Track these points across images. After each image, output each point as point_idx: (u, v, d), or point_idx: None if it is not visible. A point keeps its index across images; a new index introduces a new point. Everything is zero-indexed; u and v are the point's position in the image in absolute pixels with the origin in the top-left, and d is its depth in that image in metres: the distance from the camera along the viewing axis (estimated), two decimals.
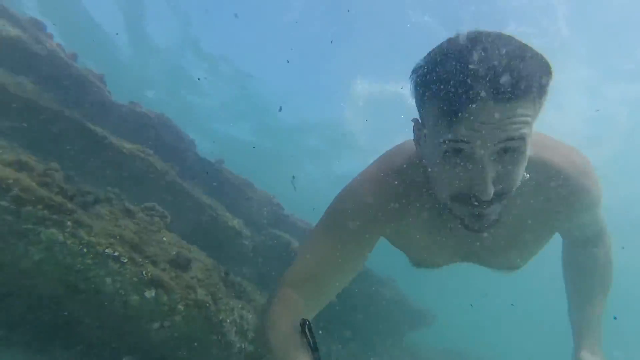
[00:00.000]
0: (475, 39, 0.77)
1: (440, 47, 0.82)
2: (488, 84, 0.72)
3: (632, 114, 7.10)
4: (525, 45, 0.79)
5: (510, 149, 0.79)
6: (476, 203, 0.84)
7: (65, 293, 1.40)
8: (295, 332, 0.86)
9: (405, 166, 1.04)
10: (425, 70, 0.80)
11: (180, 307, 1.48)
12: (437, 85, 0.77)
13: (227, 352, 1.60)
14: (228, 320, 1.67)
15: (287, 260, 2.83)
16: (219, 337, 1.63)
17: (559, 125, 6.72)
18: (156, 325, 1.46)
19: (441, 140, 0.80)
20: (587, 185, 1.01)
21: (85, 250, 1.37)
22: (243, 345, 1.71)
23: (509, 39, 0.78)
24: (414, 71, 0.84)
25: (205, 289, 1.63)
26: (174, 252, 1.66)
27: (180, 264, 1.62)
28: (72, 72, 2.12)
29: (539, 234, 1.12)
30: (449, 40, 0.80)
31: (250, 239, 2.73)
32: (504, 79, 0.72)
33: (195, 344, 1.57)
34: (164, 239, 1.84)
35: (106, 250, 1.39)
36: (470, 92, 0.73)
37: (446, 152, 0.81)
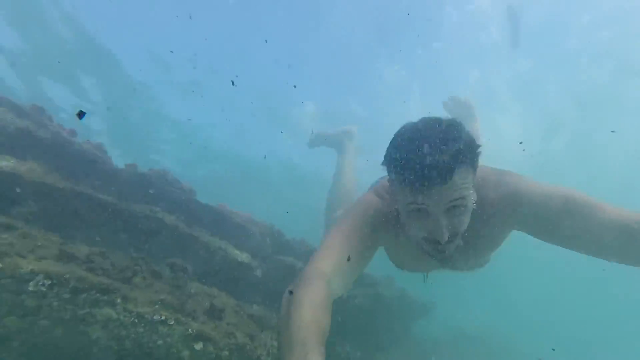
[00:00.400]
0: (425, 131, 1.06)
1: (402, 137, 1.11)
2: (435, 172, 1.02)
3: None
4: (460, 132, 1.07)
5: (456, 205, 1.09)
6: (437, 243, 1.13)
7: None
8: (320, 311, 1.00)
9: (391, 203, 1.33)
10: (392, 157, 1.11)
11: (226, 352, 1.68)
12: (401, 171, 1.08)
13: None
14: (264, 354, 1.88)
15: (289, 278, 3.03)
16: None
17: None
18: None
19: (406, 202, 1.11)
20: (516, 203, 1.27)
21: (136, 320, 1.55)
22: None
23: (450, 129, 1.06)
24: (385, 156, 1.16)
25: (241, 331, 1.83)
26: (207, 304, 1.86)
27: (215, 315, 1.81)
28: (75, 149, 2.26)
29: (495, 239, 1.43)
30: (406, 131, 1.11)
31: (259, 268, 2.93)
32: (445, 167, 1.02)
33: None
34: (192, 290, 2.03)
35: (154, 317, 1.58)
36: (424, 178, 1.03)
37: (410, 211, 1.12)
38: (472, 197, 1.12)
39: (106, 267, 1.60)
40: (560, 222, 1.21)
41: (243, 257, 2.81)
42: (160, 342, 1.57)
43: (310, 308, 1.00)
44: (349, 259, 1.21)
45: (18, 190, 1.95)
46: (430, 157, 1.01)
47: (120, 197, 2.35)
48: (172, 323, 1.60)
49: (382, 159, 1.19)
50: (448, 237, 1.11)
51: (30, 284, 1.29)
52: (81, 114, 1.34)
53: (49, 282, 1.35)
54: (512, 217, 1.31)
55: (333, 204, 3.63)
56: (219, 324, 1.78)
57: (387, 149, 1.16)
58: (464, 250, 1.35)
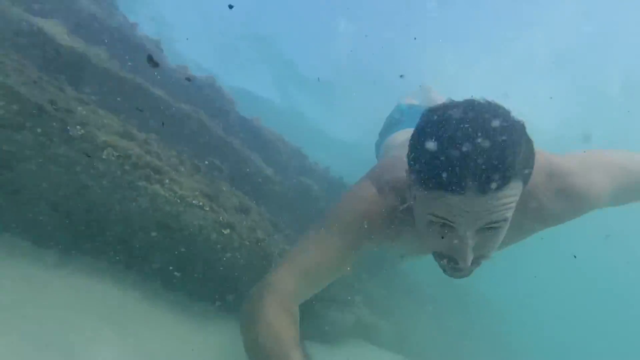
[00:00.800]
0: (467, 119, 0.76)
1: (442, 124, 0.81)
2: (476, 179, 0.74)
3: None
4: (523, 133, 0.79)
5: (493, 228, 0.84)
6: (455, 263, 0.91)
7: (160, 232, 1.90)
8: (290, 327, 0.97)
9: (397, 195, 1.10)
10: (422, 146, 0.82)
11: (247, 242, 1.99)
12: (432, 169, 0.79)
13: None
14: (276, 252, 2.21)
15: (307, 200, 3.32)
16: (269, 264, 2.17)
17: None
18: (228, 255, 1.98)
19: (428, 211, 0.85)
20: (558, 209, 1.08)
21: (178, 201, 1.85)
22: None
23: (512, 127, 0.77)
24: (412, 143, 0.88)
25: (261, 229, 2.14)
26: (236, 201, 2.15)
27: (243, 211, 2.11)
28: (137, 42, 2.45)
29: (519, 237, 1.22)
30: (444, 114, 0.81)
31: (280, 184, 3.22)
32: (492, 174, 0.73)
33: (251, 270, 2.11)
34: (224, 188, 2.32)
35: (193, 201, 1.88)
36: (459, 183, 0.75)
37: (431, 222, 0.87)
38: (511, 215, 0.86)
39: (159, 151, 1.87)
40: (632, 196, 1.15)
41: (268, 171, 3.09)
42: (195, 222, 1.89)
43: (279, 325, 0.97)
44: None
45: (85, 72, 2.19)
46: (482, 157, 0.73)
47: (170, 95, 2.57)
48: (207, 209, 1.90)
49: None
50: (472, 261, 0.88)
51: (104, 152, 1.56)
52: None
53: (117, 154, 1.62)
54: (569, 216, 1.12)
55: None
56: (244, 218, 2.08)
57: (416, 133, 0.88)
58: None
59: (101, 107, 2.06)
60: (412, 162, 0.90)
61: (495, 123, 0.77)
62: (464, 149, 0.75)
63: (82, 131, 1.54)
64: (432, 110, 0.86)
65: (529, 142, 0.82)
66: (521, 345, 4.79)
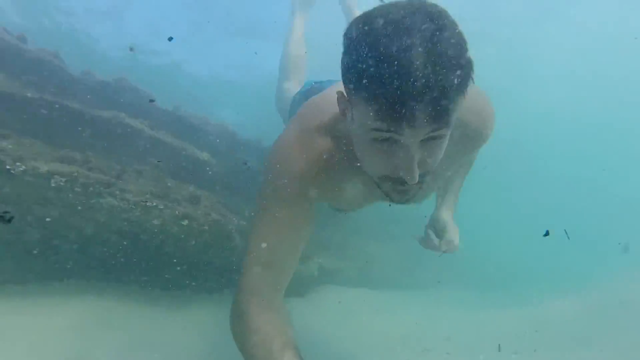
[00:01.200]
0: (416, 30, 0.71)
1: (377, 30, 0.74)
2: (433, 93, 0.71)
3: None
4: (465, 41, 0.76)
5: (436, 137, 0.80)
6: (403, 183, 0.87)
7: (123, 239, 2.03)
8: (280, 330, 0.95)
9: (325, 128, 1.04)
10: (359, 56, 0.75)
11: (205, 227, 2.19)
12: (374, 81, 0.73)
13: (233, 249, 2.37)
14: (233, 229, 2.44)
15: (244, 173, 3.49)
16: (230, 241, 2.40)
17: None
18: (192, 242, 2.18)
19: (371, 127, 0.79)
20: (487, 134, 1.22)
21: (133, 207, 1.97)
22: (240, 242, 2.47)
23: (455, 36, 0.74)
24: (345, 54, 0.80)
25: (215, 211, 2.33)
26: (185, 193, 2.30)
27: (193, 201, 2.28)
28: (31, 56, 2.34)
29: (449, 170, 1.30)
30: (386, 23, 0.73)
31: (216, 165, 3.36)
32: (447, 88, 0.72)
33: (217, 248, 2.33)
34: (169, 184, 2.44)
35: (147, 203, 2.01)
36: (412, 96, 0.71)
37: (374, 140, 0.82)
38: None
39: (101, 166, 1.94)
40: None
41: (203, 155, 3.20)
42: (155, 221, 2.04)
43: (270, 337, 0.95)
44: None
45: None
46: (427, 68, 0.70)
47: (84, 104, 2.53)
48: (162, 207, 2.05)
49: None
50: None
51: (52, 181, 1.63)
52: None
53: (64, 179, 1.69)
54: (480, 143, 1.25)
55: (281, 76, 3.40)
56: (197, 207, 2.26)
57: (348, 42, 0.80)
58: (426, 187, 1.08)
59: (21, 135, 2.04)
60: (350, 73, 0.80)
61: (443, 33, 0.73)
62: (409, 59, 0.70)
63: (23, 167, 1.59)
64: (369, 13, 0.79)
65: (467, 50, 0.77)
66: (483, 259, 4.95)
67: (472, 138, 1.16)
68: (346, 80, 0.83)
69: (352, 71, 0.78)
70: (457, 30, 0.76)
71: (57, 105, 2.31)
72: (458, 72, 0.73)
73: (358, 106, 0.81)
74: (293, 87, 3.16)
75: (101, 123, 2.50)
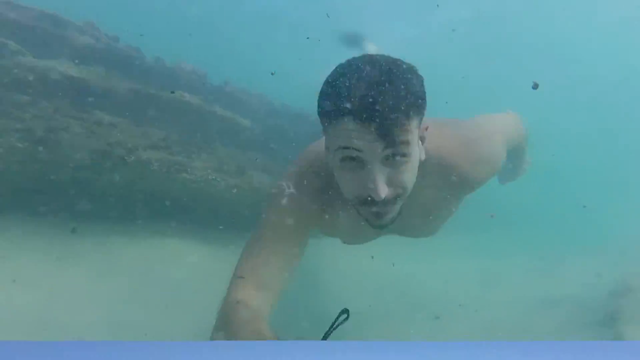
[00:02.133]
0: (371, 64, 0.86)
1: (340, 68, 0.91)
2: (379, 105, 0.81)
3: None
4: (418, 76, 0.90)
5: (396, 154, 0.87)
6: (375, 204, 0.93)
7: (192, 200, 2.87)
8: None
9: (318, 167, 1.14)
10: (324, 90, 0.91)
11: (249, 193, 3.00)
12: (333, 102, 0.86)
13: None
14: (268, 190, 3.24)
15: (281, 138, 4.18)
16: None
17: None
18: (239, 205, 3.00)
19: (336, 146, 0.90)
20: (474, 182, 1.21)
21: (199, 179, 2.78)
22: None
23: (406, 69, 0.87)
24: (319, 97, 0.93)
25: (256, 180, 3.13)
26: (234, 166, 3.09)
27: (240, 171, 3.08)
28: (122, 53, 3.05)
29: (447, 207, 1.31)
30: (346, 63, 0.90)
31: (257, 130, 4.10)
32: (393, 100, 0.81)
33: (257, 208, 3.15)
34: (221, 154, 3.22)
35: (209, 177, 2.82)
36: (361, 107, 0.82)
37: (343, 160, 0.91)
38: (417, 153, 0.95)
39: (176, 148, 2.75)
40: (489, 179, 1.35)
41: (246, 123, 3.93)
42: (213, 190, 2.86)
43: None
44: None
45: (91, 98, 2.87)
46: (376, 88, 0.82)
47: (159, 88, 3.26)
48: (219, 180, 2.86)
49: None
50: (388, 197, 0.92)
51: (153, 165, 2.45)
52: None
53: (157, 164, 2.51)
54: (478, 183, 1.25)
55: None
56: (243, 177, 3.07)
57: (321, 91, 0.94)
58: (409, 220, 1.18)
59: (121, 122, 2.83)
60: (318, 107, 0.94)
61: (393, 69, 0.86)
62: (360, 81, 0.83)
63: (132, 157, 2.40)
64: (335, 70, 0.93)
65: (416, 80, 0.89)
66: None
67: (456, 183, 1.19)
68: (319, 115, 0.96)
69: (319, 103, 0.94)
70: (409, 70, 0.89)
71: (144, 94, 3.06)
72: (401, 98, 0.83)
73: (326, 133, 0.95)
74: None
75: (182, 103, 3.24)
